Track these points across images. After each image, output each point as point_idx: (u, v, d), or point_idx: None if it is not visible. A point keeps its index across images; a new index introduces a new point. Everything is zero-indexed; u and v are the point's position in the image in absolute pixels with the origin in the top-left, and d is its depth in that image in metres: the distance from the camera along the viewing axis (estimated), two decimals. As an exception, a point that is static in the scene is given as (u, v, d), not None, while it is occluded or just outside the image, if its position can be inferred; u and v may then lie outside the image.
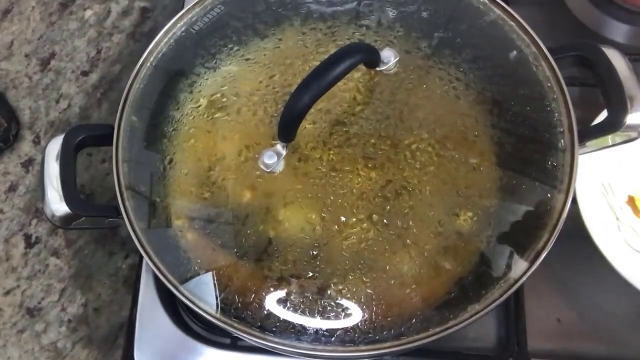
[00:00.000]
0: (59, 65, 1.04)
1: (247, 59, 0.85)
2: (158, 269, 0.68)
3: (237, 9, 0.85)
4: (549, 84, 0.73)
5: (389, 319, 0.73)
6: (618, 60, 0.68)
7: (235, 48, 0.85)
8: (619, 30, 0.95)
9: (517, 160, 0.77)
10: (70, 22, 1.08)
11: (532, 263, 0.67)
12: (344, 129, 0.82)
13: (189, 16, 0.83)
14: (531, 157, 0.74)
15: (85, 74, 1.03)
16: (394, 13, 0.83)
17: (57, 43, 1.06)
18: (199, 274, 0.77)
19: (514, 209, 0.76)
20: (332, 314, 0.73)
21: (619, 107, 0.66)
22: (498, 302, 0.66)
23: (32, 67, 1.04)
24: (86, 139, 0.75)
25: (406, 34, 0.85)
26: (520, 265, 0.67)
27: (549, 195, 0.70)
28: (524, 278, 0.66)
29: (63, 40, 1.06)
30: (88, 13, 1.08)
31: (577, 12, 0.97)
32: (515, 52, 0.75)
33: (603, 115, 0.72)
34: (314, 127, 0.81)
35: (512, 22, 0.77)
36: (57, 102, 1.01)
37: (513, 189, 0.77)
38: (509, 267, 0.66)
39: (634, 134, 0.67)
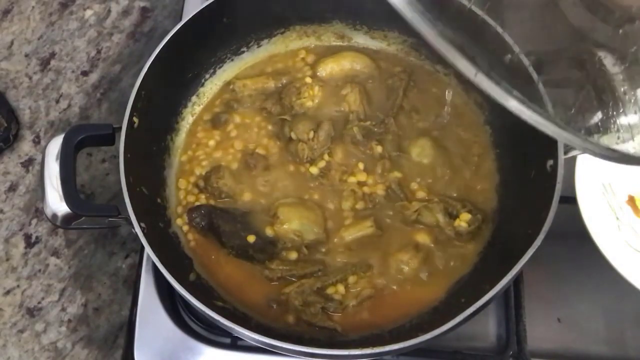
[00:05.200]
0: (59, 65, 1.04)
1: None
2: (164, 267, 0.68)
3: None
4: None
5: (389, 318, 0.73)
6: (611, 64, 0.68)
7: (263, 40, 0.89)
8: (612, 34, 0.95)
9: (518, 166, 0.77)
10: (70, 22, 1.08)
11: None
12: (350, 127, 0.83)
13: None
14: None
15: (85, 74, 1.03)
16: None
17: (57, 43, 1.06)
18: (200, 273, 0.77)
19: (511, 211, 0.76)
20: (332, 313, 0.73)
21: (612, 109, 0.66)
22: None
23: (32, 67, 1.04)
24: (86, 139, 0.75)
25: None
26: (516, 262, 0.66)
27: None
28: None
29: (63, 40, 1.06)
30: (88, 13, 1.08)
31: (571, 16, 0.97)
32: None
33: (599, 116, 0.72)
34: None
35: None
36: (57, 102, 1.01)
37: (511, 194, 0.78)
38: (505, 265, 0.66)
39: (627, 136, 0.67)
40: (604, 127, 0.67)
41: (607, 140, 0.68)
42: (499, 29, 0.75)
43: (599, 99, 0.68)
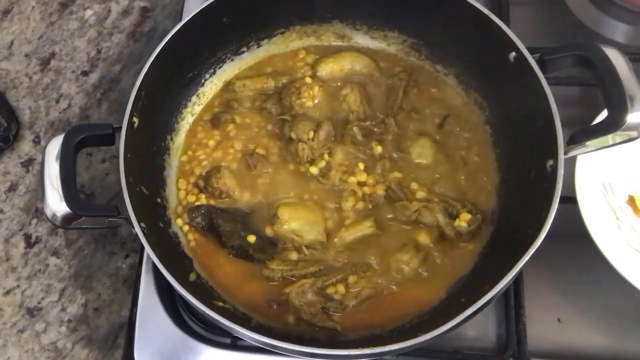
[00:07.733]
0: (59, 65, 1.04)
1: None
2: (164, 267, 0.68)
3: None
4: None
5: (389, 318, 0.73)
6: (618, 60, 0.68)
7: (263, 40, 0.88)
8: (619, 30, 0.95)
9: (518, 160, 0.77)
10: (70, 22, 1.08)
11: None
12: (350, 127, 0.83)
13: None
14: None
15: (85, 74, 1.03)
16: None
17: (57, 43, 1.06)
18: (200, 273, 0.77)
19: (511, 211, 0.76)
20: (332, 313, 0.73)
21: (619, 106, 0.66)
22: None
23: (32, 67, 1.04)
24: (86, 139, 0.75)
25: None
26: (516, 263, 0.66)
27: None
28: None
29: (63, 40, 1.06)
30: (88, 13, 1.08)
31: (577, 11, 0.97)
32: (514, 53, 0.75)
33: (603, 114, 0.72)
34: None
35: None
36: (57, 102, 1.01)
37: (511, 194, 0.77)
38: (505, 265, 0.66)
39: (634, 134, 0.66)
40: (611, 126, 0.66)
41: (616, 138, 0.67)
42: (504, 26, 0.75)
43: (606, 96, 0.68)
